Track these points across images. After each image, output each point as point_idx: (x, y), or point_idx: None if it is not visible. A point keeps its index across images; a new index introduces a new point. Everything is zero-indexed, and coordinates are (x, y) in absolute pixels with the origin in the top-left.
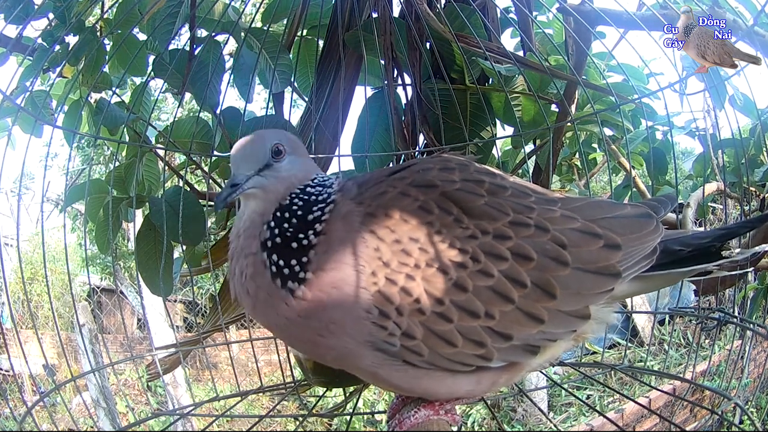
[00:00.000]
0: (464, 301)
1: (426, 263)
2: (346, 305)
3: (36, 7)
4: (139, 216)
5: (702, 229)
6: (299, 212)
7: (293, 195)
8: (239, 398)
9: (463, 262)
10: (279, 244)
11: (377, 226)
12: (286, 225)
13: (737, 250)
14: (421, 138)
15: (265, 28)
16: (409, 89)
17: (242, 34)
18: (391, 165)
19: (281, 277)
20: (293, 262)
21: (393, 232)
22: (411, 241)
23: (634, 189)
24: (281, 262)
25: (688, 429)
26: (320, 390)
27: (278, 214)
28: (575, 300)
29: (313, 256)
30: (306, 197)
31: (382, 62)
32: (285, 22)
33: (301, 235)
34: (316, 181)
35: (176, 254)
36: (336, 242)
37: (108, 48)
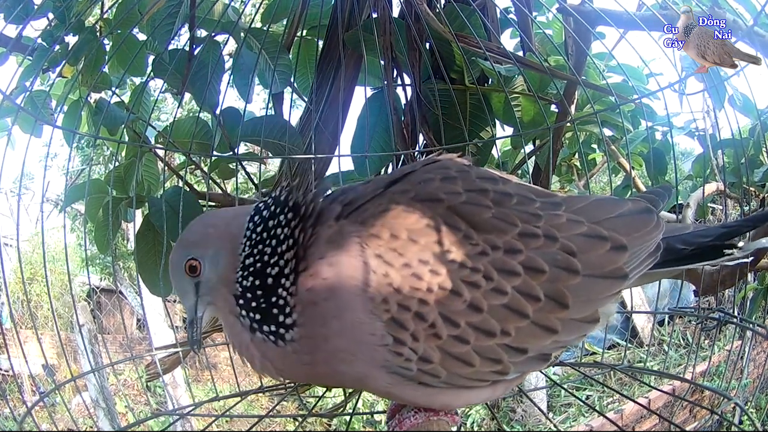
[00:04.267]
0: (480, 321)
1: (438, 286)
2: (353, 333)
3: (36, 6)
4: (139, 216)
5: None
6: (257, 282)
7: (238, 279)
8: (239, 398)
9: (476, 281)
10: (261, 319)
11: (384, 250)
12: (254, 304)
13: (741, 245)
14: (421, 138)
15: (265, 28)
16: (409, 89)
17: (242, 34)
18: (382, 173)
19: (280, 338)
20: (280, 318)
21: (401, 255)
22: (421, 264)
23: (634, 189)
24: (273, 327)
25: (687, 429)
26: (320, 390)
27: (240, 302)
28: (586, 307)
29: (297, 297)
30: (252, 269)
31: (382, 62)
32: (285, 22)
33: (274, 298)
34: (249, 246)
35: None
36: (324, 270)
37: (108, 48)
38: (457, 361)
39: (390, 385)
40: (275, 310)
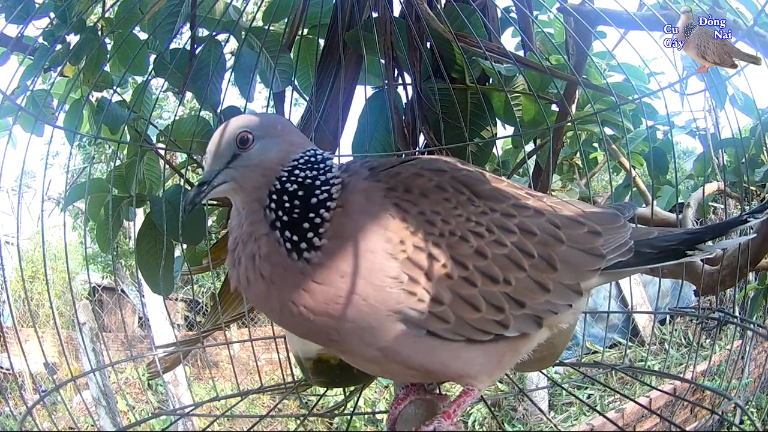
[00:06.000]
0: (485, 266)
1: (449, 232)
2: (370, 274)
3: (37, 6)
4: (140, 215)
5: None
6: (300, 193)
7: (282, 179)
8: (240, 398)
9: (480, 232)
10: (288, 222)
11: (400, 200)
12: (287, 206)
13: (709, 245)
14: (421, 138)
15: (266, 27)
16: (409, 89)
17: (243, 33)
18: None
19: (297, 251)
20: (309, 234)
21: (416, 204)
22: (433, 213)
23: (635, 189)
24: (295, 237)
25: (688, 429)
26: (321, 389)
27: (275, 197)
28: (572, 274)
29: (329, 227)
30: (301, 180)
31: (383, 62)
32: (285, 21)
33: (312, 215)
34: (303, 160)
35: (177, 253)
36: (356, 214)
37: (109, 47)
38: (466, 304)
39: (394, 339)
40: (306, 225)
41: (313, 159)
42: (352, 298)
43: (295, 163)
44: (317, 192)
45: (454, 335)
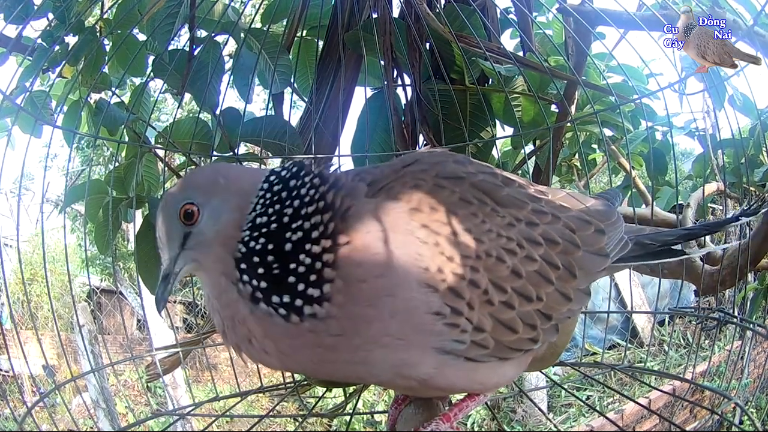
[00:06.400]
0: (521, 286)
1: (485, 253)
2: (408, 315)
3: (36, 7)
4: (139, 217)
5: None
6: (270, 246)
7: (245, 239)
8: (239, 398)
9: (513, 249)
10: (271, 287)
11: (429, 221)
12: (262, 270)
13: (694, 248)
14: (421, 138)
15: (265, 28)
16: (409, 89)
17: (242, 34)
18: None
19: (296, 311)
20: (300, 287)
21: (446, 225)
22: (466, 233)
23: (634, 189)
24: (286, 299)
25: (688, 429)
26: (320, 390)
27: (243, 266)
28: (587, 279)
29: (335, 267)
30: (266, 230)
31: (382, 62)
32: (285, 22)
33: (293, 264)
34: (261, 205)
35: None
36: (374, 245)
37: (107, 48)
38: (505, 328)
39: (435, 369)
40: (292, 279)
41: (270, 195)
42: (385, 341)
43: (254, 213)
44: (288, 234)
45: (490, 358)
